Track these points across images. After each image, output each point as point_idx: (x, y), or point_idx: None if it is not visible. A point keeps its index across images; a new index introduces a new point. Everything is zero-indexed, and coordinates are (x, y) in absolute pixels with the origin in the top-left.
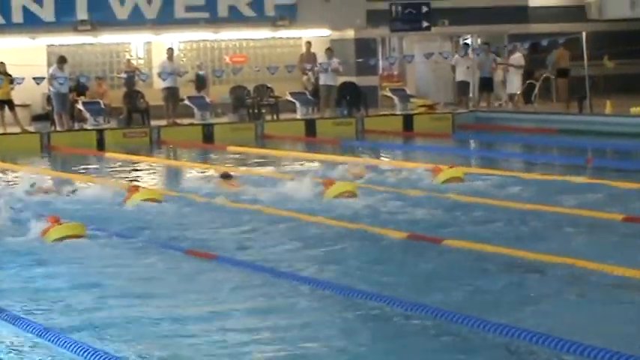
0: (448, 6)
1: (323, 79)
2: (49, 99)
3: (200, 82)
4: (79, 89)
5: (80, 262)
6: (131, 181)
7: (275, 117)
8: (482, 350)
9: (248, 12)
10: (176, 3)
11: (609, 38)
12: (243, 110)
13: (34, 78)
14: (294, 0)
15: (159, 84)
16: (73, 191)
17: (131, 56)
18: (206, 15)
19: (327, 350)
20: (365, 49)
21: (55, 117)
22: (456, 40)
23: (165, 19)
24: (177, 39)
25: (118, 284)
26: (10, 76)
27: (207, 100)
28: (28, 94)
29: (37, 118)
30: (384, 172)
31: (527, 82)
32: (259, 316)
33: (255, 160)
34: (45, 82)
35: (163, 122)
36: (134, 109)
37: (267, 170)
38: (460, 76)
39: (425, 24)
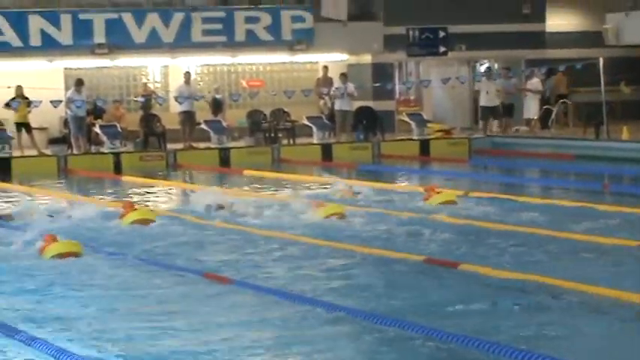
0: (465, 31)
1: (338, 105)
2: (66, 122)
3: (217, 106)
4: (96, 112)
5: (81, 282)
6: (145, 204)
7: (291, 141)
8: None
9: (265, 36)
10: (193, 27)
11: (626, 64)
12: (259, 134)
13: (51, 101)
14: (311, 24)
15: (175, 107)
16: (51, 215)
17: (148, 80)
18: (223, 39)
19: None
20: (382, 73)
21: (72, 140)
22: (473, 64)
23: (183, 43)
24: (195, 63)
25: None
26: (27, 99)
27: (224, 124)
28: (45, 117)
29: (54, 141)
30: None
31: (544, 107)
32: (274, 339)
33: (272, 184)
34: (62, 105)
35: (180, 146)
36: (151, 133)
37: (265, 194)
38: (484, 100)
39: (442, 49)
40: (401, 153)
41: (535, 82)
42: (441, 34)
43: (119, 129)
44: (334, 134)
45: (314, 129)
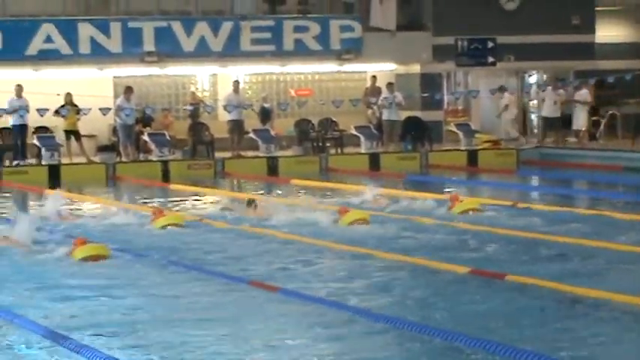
0: (514, 42)
1: (386, 115)
2: (114, 130)
3: (265, 115)
4: (145, 120)
5: (124, 288)
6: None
7: (339, 150)
8: None
9: (314, 45)
10: (242, 35)
11: None
12: (307, 143)
13: (100, 109)
14: (360, 34)
15: (224, 116)
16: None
17: (197, 88)
18: (272, 48)
19: None
20: (430, 83)
21: (121, 148)
22: (521, 75)
23: (232, 52)
24: (243, 71)
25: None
26: (76, 106)
27: (272, 132)
28: (94, 124)
29: (102, 149)
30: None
31: (593, 118)
32: (320, 348)
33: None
34: (111, 113)
35: (228, 154)
36: (199, 141)
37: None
38: (546, 111)
39: (490, 59)
40: (448, 163)
41: (584, 94)
42: (490, 44)
43: (167, 137)
44: (382, 144)
45: (362, 138)
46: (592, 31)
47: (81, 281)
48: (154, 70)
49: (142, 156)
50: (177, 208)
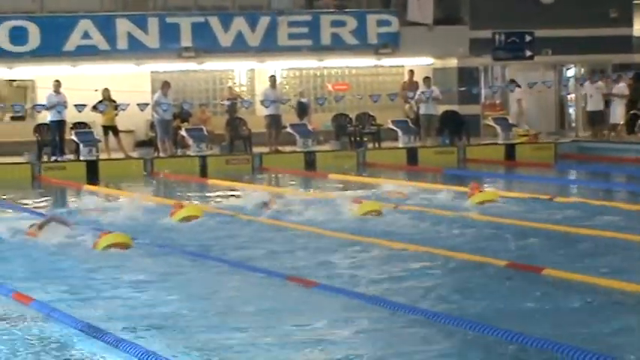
0: (551, 35)
1: (423, 109)
2: (152, 125)
3: (302, 110)
4: (183, 116)
5: (159, 282)
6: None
7: (377, 145)
8: None
9: (351, 40)
10: (279, 30)
11: None
12: (344, 138)
13: (138, 104)
14: (397, 28)
15: (261, 111)
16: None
17: (234, 83)
18: (309, 43)
19: None
20: (467, 77)
21: (159, 143)
22: (559, 69)
23: (269, 47)
24: (280, 66)
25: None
26: (114, 102)
27: (310, 127)
28: (132, 120)
29: (140, 144)
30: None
31: (631, 112)
32: (361, 343)
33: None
34: (149, 109)
35: (265, 149)
36: (236, 136)
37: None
38: (592, 105)
39: (528, 53)
40: (486, 157)
41: (621, 87)
42: (527, 38)
43: (205, 132)
44: (419, 138)
45: (399, 133)
46: (630, 24)
47: (113, 275)
48: (191, 65)
49: (179, 151)
50: (213, 203)
